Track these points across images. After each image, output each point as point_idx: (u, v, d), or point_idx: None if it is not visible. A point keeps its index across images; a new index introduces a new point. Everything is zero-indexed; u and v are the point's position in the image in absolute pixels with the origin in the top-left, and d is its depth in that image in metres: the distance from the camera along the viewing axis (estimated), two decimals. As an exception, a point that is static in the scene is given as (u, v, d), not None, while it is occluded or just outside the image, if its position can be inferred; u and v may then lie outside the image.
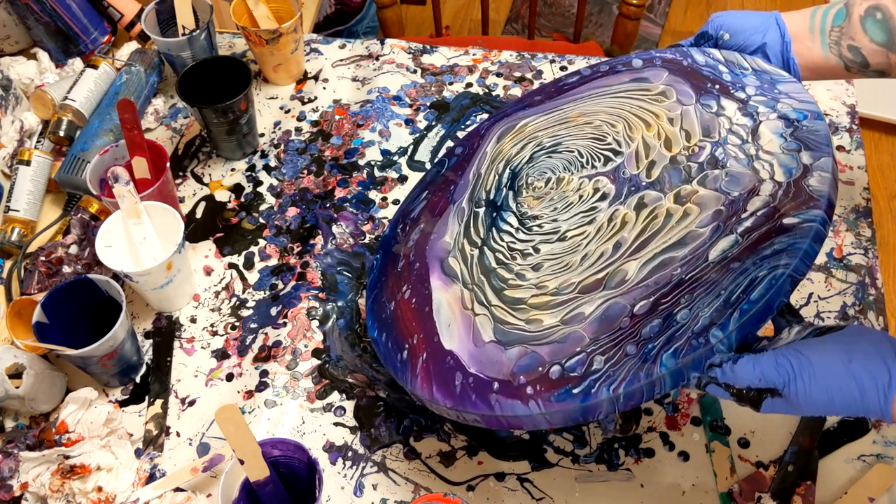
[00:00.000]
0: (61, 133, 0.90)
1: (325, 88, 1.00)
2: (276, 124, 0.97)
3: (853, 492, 0.66)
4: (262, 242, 0.86)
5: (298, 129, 0.96)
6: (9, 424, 0.74)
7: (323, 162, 0.92)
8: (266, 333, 0.78)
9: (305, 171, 0.92)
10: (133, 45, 1.01)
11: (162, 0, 0.95)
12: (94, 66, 0.94)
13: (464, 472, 0.69)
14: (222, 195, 0.91)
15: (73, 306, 0.72)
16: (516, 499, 0.68)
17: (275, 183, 0.91)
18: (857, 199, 0.84)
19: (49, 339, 0.70)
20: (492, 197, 0.73)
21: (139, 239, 0.77)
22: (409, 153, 0.93)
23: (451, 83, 0.99)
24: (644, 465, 0.69)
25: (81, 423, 0.70)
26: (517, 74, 1.00)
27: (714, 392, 0.51)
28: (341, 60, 1.03)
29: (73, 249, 0.80)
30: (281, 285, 0.82)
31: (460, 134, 0.94)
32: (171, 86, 1.01)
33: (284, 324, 0.79)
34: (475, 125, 0.91)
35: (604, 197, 0.66)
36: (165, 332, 0.80)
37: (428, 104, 0.97)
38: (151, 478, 0.70)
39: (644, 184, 0.64)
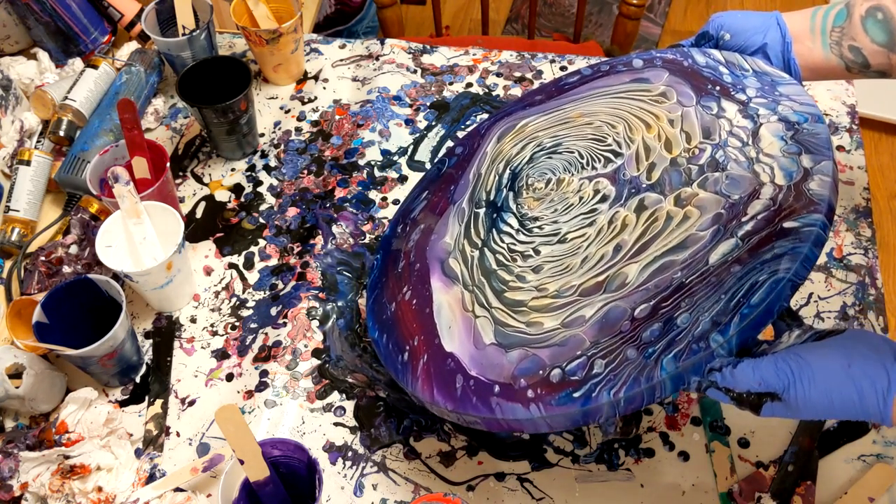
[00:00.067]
0: (61, 133, 0.90)
1: (325, 88, 1.00)
2: (276, 124, 0.97)
3: (853, 492, 0.66)
4: (262, 242, 0.86)
5: (298, 129, 0.96)
6: (9, 424, 0.74)
7: (323, 162, 0.92)
8: (266, 333, 0.78)
9: (305, 171, 0.92)
10: (133, 45, 1.01)
11: (162, 0, 0.95)
12: (94, 66, 0.94)
13: (464, 472, 0.69)
14: (222, 195, 0.91)
15: (73, 306, 0.72)
16: (516, 499, 0.68)
17: (275, 183, 0.91)
18: (857, 199, 0.84)
19: (49, 339, 0.70)
20: (492, 198, 0.73)
21: (139, 239, 0.77)
22: (409, 153, 0.93)
23: (451, 83, 0.99)
24: (644, 465, 0.69)
25: (81, 423, 0.70)
26: (517, 74, 1.00)
27: (714, 396, 0.51)
28: (341, 60, 1.03)
29: (73, 249, 0.80)
30: (281, 285, 0.82)
31: (460, 134, 0.94)
32: (171, 86, 1.01)
33: (284, 324, 0.79)
34: (475, 125, 0.90)
35: (604, 199, 0.66)
36: (165, 332, 0.80)
37: (428, 104, 0.97)
38: (151, 478, 0.70)
39: (644, 186, 0.64)
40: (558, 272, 0.63)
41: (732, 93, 0.66)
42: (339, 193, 0.89)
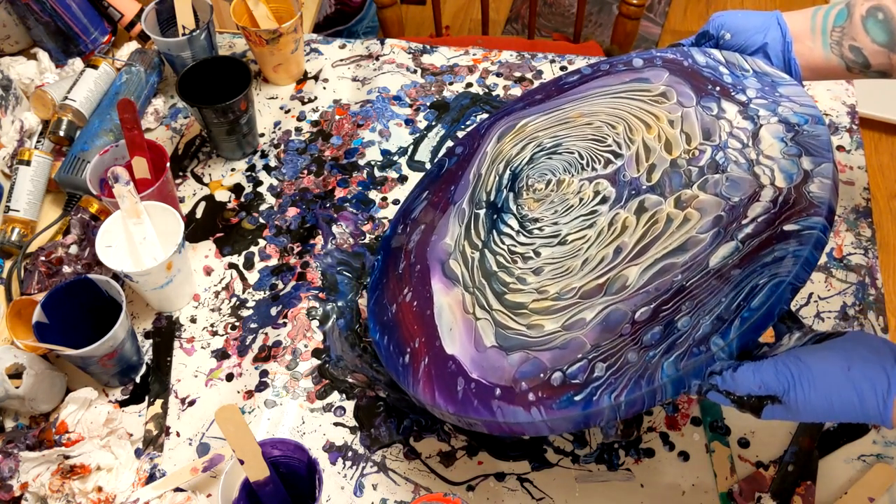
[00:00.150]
0: (61, 133, 0.90)
1: (325, 88, 1.00)
2: (276, 124, 0.97)
3: (853, 492, 0.66)
4: (262, 242, 0.86)
5: (298, 129, 0.96)
6: (9, 424, 0.74)
7: (323, 162, 0.92)
8: (266, 333, 0.78)
9: (305, 171, 0.92)
10: (133, 45, 1.01)
11: (162, 0, 0.95)
12: (94, 66, 0.94)
13: (464, 472, 0.69)
14: (222, 195, 0.91)
15: (73, 306, 0.72)
16: (516, 499, 0.68)
17: (275, 183, 0.91)
18: (857, 199, 0.84)
19: (49, 339, 0.70)
20: (492, 198, 0.73)
21: (139, 239, 0.77)
22: (409, 153, 0.93)
23: (451, 83, 0.99)
24: (644, 465, 0.69)
25: (81, 423, 0.70)
26: (517, 74, 1.00)
27: (715, 399, 0.51)
28: (341, 60, 1.03)
29: (73, 249, 0.80)
30: (281, 285, 0.82)
31: (460, 134, 0.94)
32: (171, 86, 1.01)
33: (284, 324, 0.79)
34: (475, 125, 0.90)
35: (604, 200, 0.66)
36: (165, 332, 0.80)
37: (428, 104, 0.97)
38: (151, 478, 0.70)
39: (644, 187, 0.64)
40: (559, 274, 0.63)
41: (733, 93, 0.66)
42: (339, 193, 0.89)
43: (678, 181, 0.63)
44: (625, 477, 0.68)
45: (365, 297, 0.81)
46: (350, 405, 0.74)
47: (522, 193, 0.72)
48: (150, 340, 0.79)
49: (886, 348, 0.49)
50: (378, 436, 0.72)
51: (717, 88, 0.67)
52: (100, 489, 0.67)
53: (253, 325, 0.80)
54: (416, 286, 0.71)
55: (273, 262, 0.84)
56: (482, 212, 0.73)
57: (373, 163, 0.92)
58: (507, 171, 0.75)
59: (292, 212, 0.88)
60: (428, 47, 1.04)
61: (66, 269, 0.79)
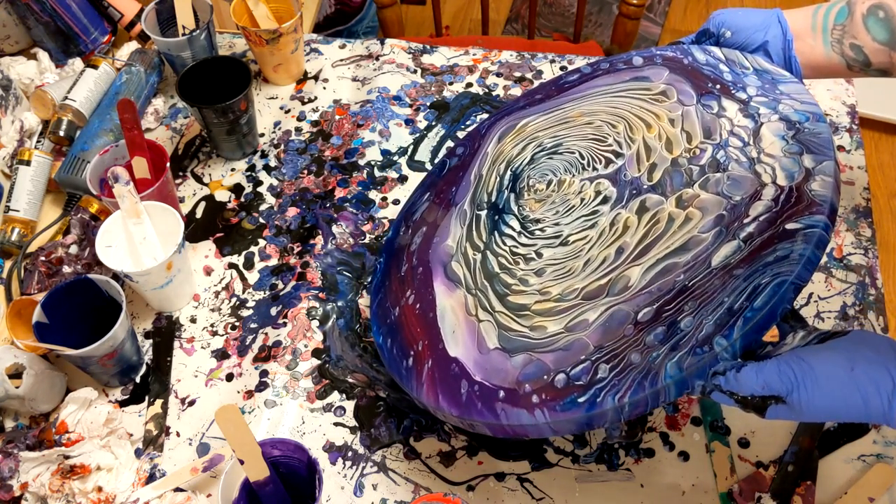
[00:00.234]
0: (61, 133, 0.90)
1: (325, 88, 1.00)
2: (276, 124, 0.97)
3: (853, 492, 0.66)
4: (262, 242, 0.86)
5: (298, 129, 0.96)
6: (9, 424, 0.73)
7: (323, 162, 0.92)
8: (266, 333, 0.78)
9: (305, 171, 0.92)
10: (133, 45, 1.01)
11: (162, 0, 0.95)
12: (94, 66, 0.94)
13: (464, 472, 0.69)
14: (222, 195, 0.90)
15: (73, 306, 0.72)
16: (516, 499, 0.68)
17: (275, 183, 0.91)
18: (857, 198, 0.84)
19: (49, 339, 0.70)
20: (493, 199, 0.73)
21: (139, 239, 0.77)
22: (409, 153, 0.93)
23: (451, 83, 0.99)
24: (644, 465, 0.69)
25: (81, 423, 0.70)
26: (517, 74, 1.00)
27: (718, 399, 0.51)
28: (341, 60, 1.03)
29: (73, 249, 0.80)
30: (281, 285, 0.82)
31: (460, 134, 0.94)
32: (171, 86, 1.01)
33: (284, 324, 0.79)
34: (476, 125, 0.90)
35: (605, 200, 0.65)
36: (165, 332, 0.80)
37: (428, 104, 0.97)
38: (151, 478, 0.70)
39: (645, 187, 0.64)
40: (561, 275, 0.62)
41: (733, 91, 0.66)
42: (339, 193, 0.89)
43: (679, 180, 0.62)
44: (625, 477, 0.68)
45: (365, 297, 0.81)
46: (350, 405, 0.74)
47: (524, 194, 0.72)
48: (150, 340, 0.79)
49: (890, 348, 0.49)
50: (378, 436, 0.72)
51: (718, 86, 0.67)
52: (100, 489, 0.67)
53: (253, 325, 0.79)
54: (419, 288, 0.70)
55: (273, 262, 0.84)
56: (483, 213, 0.73)
57: (373, 163, 0.92)
58: (508, 172, 0.75)
59: (292, 212, 0.88)
60: (428, 47, 1.04)
61: (66, 269, 0.79)
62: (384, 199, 0.89)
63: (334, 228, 0.86)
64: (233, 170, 0.93)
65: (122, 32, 1.06)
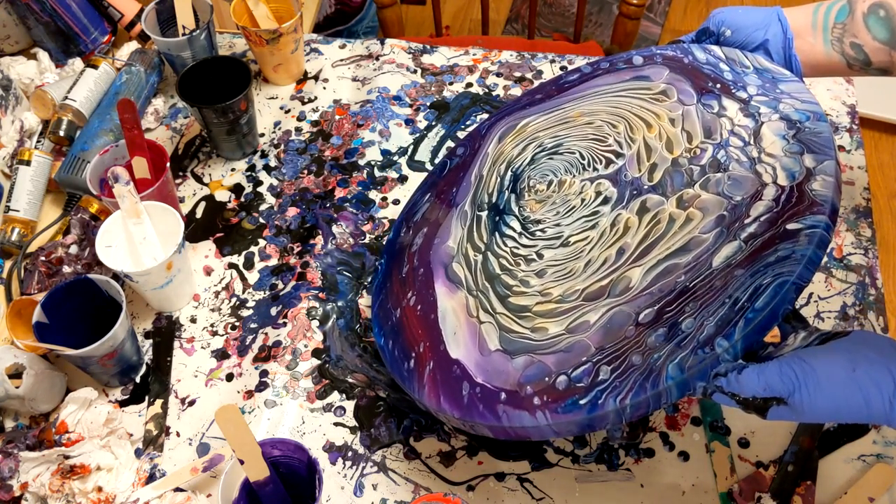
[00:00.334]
0: (61, 133, 0.90)
1: (325, 88, 1.00)
2: (276, 124, 0.97)
3: (853, 492, 0.66)
4: (262, 242, 0.86)
5: (298, 129, 0.96)
6: (9, 424, 0.73)
7: (323, 162, 0.92)
8: (266, 333, 0.78)
9: (305, 171, 0.92)
10: (133, 45, 1.01)
11: (162, 0, 0.95)
12: (94, 66, 0.94)
13: (464, 472, 0.69)
14: (222, 195, 0.90)
15: (73, 306, 0.72)
16: (516, 499, 0.68)
17: (275, 183, 0.91)
18: (857, 198, 0.84)
19: (49, 339, 0.70)
20: (494, 200, 0.73)
21: (139, 239, 0.77)
22: (409, 153, 0.93)
23: (451, 83, 0.99)
24: (644, 465, 0.69)
25: (81, 423, 0.70)
26: (517, 74, 1.00)
27: (720, 400, 0.51)
28: (341, 60, 1.03)
29: (73, 249, 0.80)
30: (281, 285, 0.82)
31: (460, 134, 0.94)
32: (171, 86, 1.01)
33: (284, 324, 0.79)
34: (476, 125, 0.90)
35: (606, 201, 0.65)
36: (165, 332, 0.80)
37: (428, 104, 0.97)
38: (151, 478, 0.70)
39: (646, 187, 0.64)
40: (562, 276, 0.62)
41: (733, 90, 0.66)
42: (339, 193, 0.89)
43: (680, 180, 0.62)
44: (625, 477, 0.68)
45: (365, 297, 0.81)
46: (350, 405, 0.74)
47: (524, 195, 0.72)
48: (150, 340, 0.79)
49: (891, 349, 0.49)
50: (378, 436, 0.71)
51: (718, 85, 0.67)
52: (100, 489, 0.67)
53: (253, 325, 0.79)
54: (420, 290, 0.70)
55: (273, 262, 0.84)
56: (484, 214, 0.73)
57: (373, 163, 0.92)
58: (509, 173, 0.75)
59: (292, 212, 0.88)
60: (428, 47, 1.04)
61: (66, 269, 0.79)
62: (384, 199, 0.89)
63: (334, 228, 0.86)
64: (233, 170, 0.93)
65: (122, 32, 1.06)
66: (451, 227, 0.74)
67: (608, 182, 0.67)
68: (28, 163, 0.87)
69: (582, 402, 0.53)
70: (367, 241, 0.85)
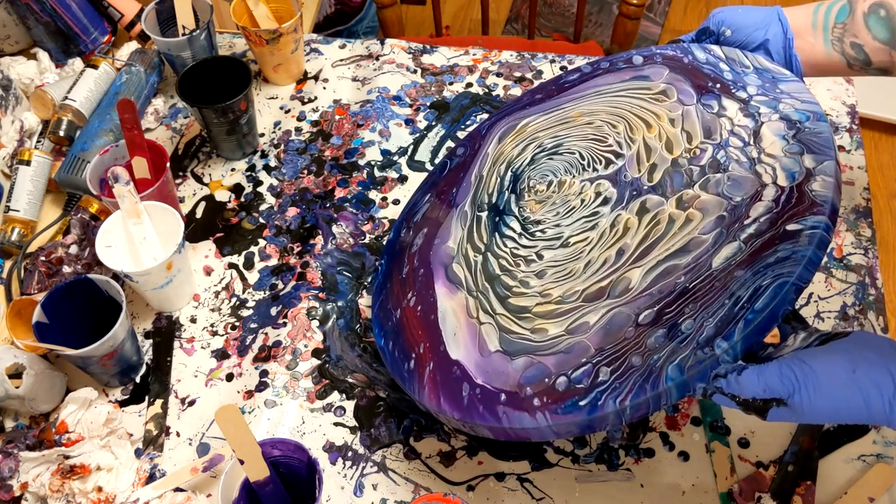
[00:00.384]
0: (61, 133, 0.90)
1: (325, 88, 1.00)
2: (276, 124, 0.97)
3: (853, 492, 0.66)
4: (262, 242, 0.86)
5: (298, 129, 0.96)
6: (9, 424, 0.73)
7: (323, 162, 0.92)
8: (266, 333, 0.78)
9: (305, 171, 0.92)
10: (133, 45, 1.01)
11: (162, 0, 0.95)
12: (94, 66, 0.94)
13: (464, 472, 0.69)
14: (222, 195, 0.90)
15: (73, 306, 0.72)
16: (516, 499, 0.68)
17: (275, 183, 0.91)
18: (857, 199, 0.84)
19: (49, 339, 0.70)
20: (494, 200, 0.73)
21: (139, 239, 0.77)
22: (409, 153, 0.93)
23: (451, 83, 0.99)
24: (644, 465, 0.69)
25: (81, 423, 0.70)
26: (517, 74, 1.00)
27: (720, 402, 0.51)
28: (341, 60, 1.03)
29: (73, 249, 0.80)
30: (281, 285, 0.82)
31: (460, 134, 0.94)
32: (171, 86, 1.01)
33: (284, 324, 0.79)
34: (476, 125, 0.90)
35: (606, 201, 0.65)
36: (165, 332, 0.80)
37: (428, 104, 0.97)
38: (151, 478, 0.70)
39: (646, 188, 0.64)
40: (562, 277, 0.62)
41: (733, 90, 0.66)
42: (339, 193, 0.89)
43: (679, 181, 0.62)
44: (625, 477, 0.68)
45: (365, 297, 0.81)
46: (350, 405, 0.74)
47: (524, 195, 0.72)
48: (150, 340, 0.79)
49: (891, 349, 0.49)
50: (378, 436, 0.71)
51: (718, 85, 0.67)
52: (100, 489, 0.67)
53: (253, 325, 0.79)
54: (420, 290, 0.70)
55: (273, 262, 0.84)
56: (484, 214, 0.73)
57: (373, 163, 0.92)
58: (509, 173, 0.75)
59: (292, 212, 0.88)
60: (428, 47, 1.04)
61: (66, 269, 0.79)
62: (384, 199, 0.89)
63: (334, 228, 0.86)
64: (233, 170, 0.93)
65: (122, 32, 1.06)
66: (452, 228, 0.74)
67: (608, 182, 0.67)
68: (28, 163, 0.87)
69: (582, 403, 0.53)
70: (367, 241, 0.85)
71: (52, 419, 0.72)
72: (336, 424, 0.73)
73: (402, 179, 0.90)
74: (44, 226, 0.88)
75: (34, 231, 0.88)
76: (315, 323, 0.79)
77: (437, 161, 0.91)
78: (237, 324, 0.80)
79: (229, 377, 0.76)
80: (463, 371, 0.61)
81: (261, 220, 0.88)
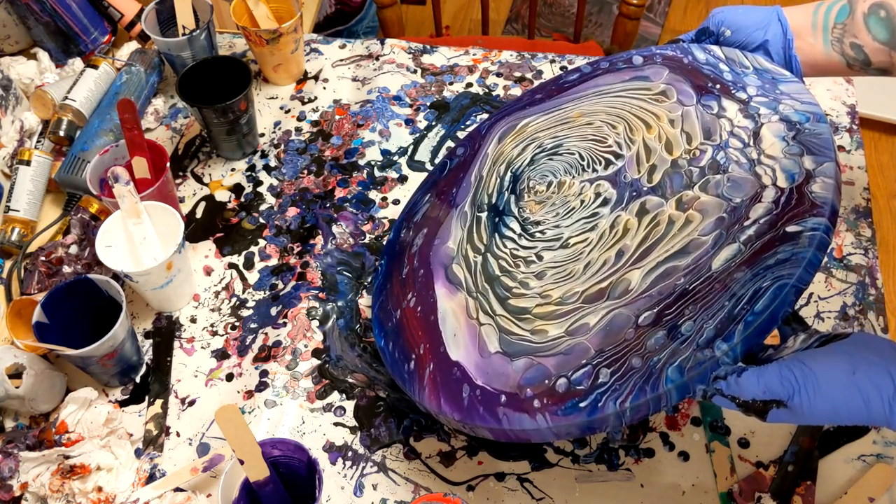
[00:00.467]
0: (61, 133, 0.90)
1: (325, 88, 1.00)
2: (276, 124, 0.97)
3: (853, 492, 0.66)
4: (262, 242, 0.86)
5: (298, 129, 0.96)
6: (9, 424, 0.73)
7: (323, 162, 0.92)
8: (266, 333, 0.78)
9: (305, 171, 0.92)
10: (133, 45, 1.01)
11: (162, 0, 0.95)
12: (94, 66, 0.94)
13: (464, 472, 0.69)
14: (222, 195, 0.90)
15: (73, 306, 0.72)
16: (516, 499, 0.68)
17: (275, 183, 0.91)
18: (857, 199, 0.84)
19: (49, 339, 0.70)
20: (494, 201, 0.73)
21: (139, 239, 0.77)
22: (409, 153, 0.93)
23: (451, 83, 0.99)
24: (644, 465, 0.69)
25: (81, 423, 0.70)
26: (517, 74, 1.00)
27: (720, 403, 0.51)
28: (341, 60, 1.03)
29: (73, 249, 0.80)
30: (281, 285, 0.82)
31: (460, 134, 0.94)
32: (171, 86, 1.01)
33: (284, 324, 0.79)
34: (476, 125, 0.90)
35: (605, 202, 0.65)
36: (165, 332, 0.80)
37: (428, 104, 0.97)
38: (151, 478, 0.70)
39: (645, 189, 0.64)
40: (561, 278, 0.62)
41: (733, 91, 0.66)
42: (339, 193, 0.89)
43: (679, 182, 0.62)
44: (625, 477, 0.68)
45: (365, 297, 0.81)
46: (350, 405, 0.74)
47: (524, 196, 0.72)
48: (150, 340, 0.79)
49: (891, 351, 0.49)
50: (378, 436, 0.72)
51: (718, 86, 0.67)
52: (100, 489, 0.67)
53: (253, 325, 0.79)
54: (420, 291, 0.70)
55: (273, 262, 0.84)
56: (484, 215, 0.73)
57: (373, 163, 0.92)
58: (509, 173, 0.75)
59: (292, 212, 0.88)
60: (428, 47, 1.04)
61: (66, 269, 0.79)
62: (384, 199, 0.89)
63: (334, 228, 0.86)
64: (233, 170, 0.93)
65: (122, 32, 1.06)
66: (451, 228, 0.74)
67: (607, 183, 0.67)
68: (28, 163, 0.87)
69: (582, 404, 0.53)
70: (367, 241, 0.85)
71: (52, 419, 0.72)
72: (336, 424, 0.73)
73: (402, 179, 0.90)
74: (44, 226, 0.88)
75: (34, 231, 0.88)
76: (315, 323, 0.79)
77: (437, 161, 0.91)
78: (237, 324, 0.80)
79: (229, 377, 0.76)
80: (463, 372, 0.61)
81: (261, 220, 0.88)
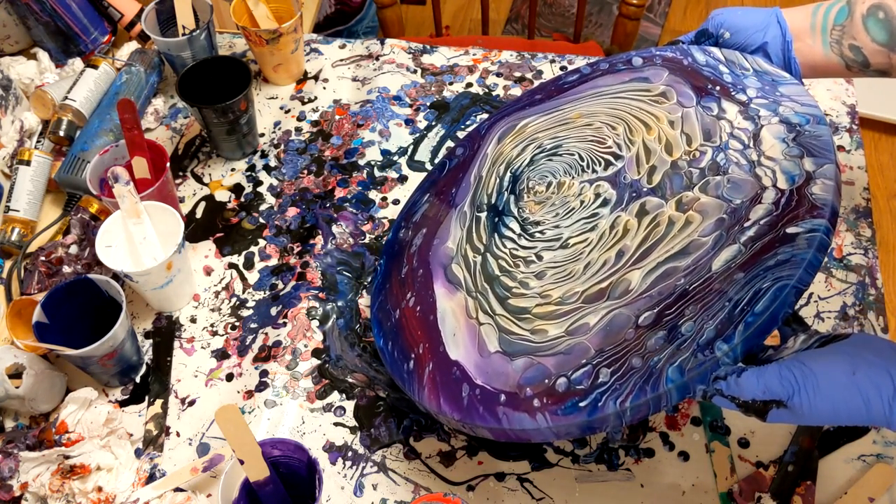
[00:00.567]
0: (61, 133, 0.90)
1: (325, 88, 1.00)
2: (276, 124, 0.97)
3: (853, 492, 0.66)
4: (262, 242, 0.86)
5: (298, 129, 0.96)
6: (9, 424, 0.74)
7: (323, 162, 0.92)
8: (266, 333, 0.78)
9: (305, 171, 0.92)
10: (133, 45, 1.01)
11: (162, 0, 0.95)
12: (94, 66, 0.94)
13: (464, 472, 0.69)
14: (222, 195, 0.90)
15: (73, 306, 0.72)
16: (516, 499, 0.68)
17: (275, 183, 0.91)
18: (857, 199, 0.84)
19: (49, 339, 0.70)
20: (493, 201, 0.73)
21: (139, 239, 0.77)
22: (409, 153, 0.93)
23: (451, 83, 0.99)
24: (644, 465, 0.69)
25: (81, 423, 0.70)
26: (517, 74, 1.00)
27: (720, 403, 0.51)
28: (341, 60, 1.03)
29: (73, 249, 0.80)
30: (281, 285, 0.82)
31: (460, 134, 0.94)
32: (171, 86, 1.01)
33: (284, 324, 0.79)
34: (476, 125, 0.90)
35: (605, 203, 0.65)
36: (165, 332, 0.80)
37: (428, 104, 0.97)
38: (151, 478, 0.70)
39: (645, 190, 0.64)
40: (561, 278, 0.62)
41: (733, 93, 0.66)
42: (339, 193, 0.89)
43: (679, 183, 0.62)
44: (625, 477, 0.68)
45: (365, 297, 0.81)
46: (350, 405, 0.74)
47: (523, 196, 0.72)
48: (150, 340, 0.79)
49: (891, 351, 0.49)
50: (378, 436, 0.72)
51: (718, 88, 0.67)
52: (100, 489, 0.67)
53: (253, 325, 0.79)
54: (419, 291, 0.70)
55: (273, 262, 0.84)
56: (483, 215, 0.73)
57: (373, 163, 0.92)
58: (508, 174, 0.75)
59: (292, 212, 0.88)
60: (428, 47, 1.04)
61: (66, 269, 0.79)
62: (384, 199, 0.89)
63: (334, 228, 0.86)
64: (233, 170, 0.93)
65: (122, 32, 1.06)
66: (451, 228, 0.74)
67: (607, 184, 0.67)
68: (28, 163, 0.87)
69: (582, 404, 0.53)
70: (367, 241, 0.85)
71: (52, 419, 0.72)
72: (336, 424, 0.73)
73: (402, 179, 0.90)
74: (44, 226, 0.88)
75: (34, 231, 0.88)
76: (315, 323, 0.79)
77: (436, 161, 0.91)
78: (237, 324, 0.80)
79: (229, 377, 0.76)
80: (462, 372, 0.61)
81: (261, 220, 0.88)
